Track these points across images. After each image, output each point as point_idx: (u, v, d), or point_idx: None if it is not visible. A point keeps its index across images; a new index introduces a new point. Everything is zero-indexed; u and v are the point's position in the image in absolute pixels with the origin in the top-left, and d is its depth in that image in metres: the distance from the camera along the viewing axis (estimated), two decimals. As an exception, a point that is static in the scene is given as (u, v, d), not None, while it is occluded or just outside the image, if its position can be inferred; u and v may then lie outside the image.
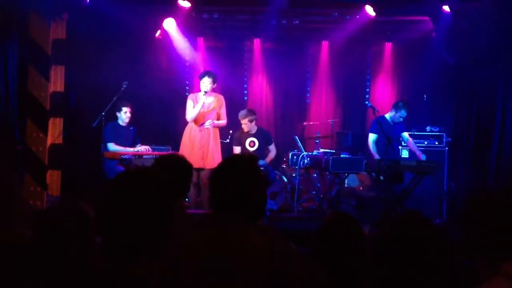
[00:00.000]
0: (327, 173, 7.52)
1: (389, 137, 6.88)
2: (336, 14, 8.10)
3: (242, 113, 7.48)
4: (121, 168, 6.35)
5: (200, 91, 6.75)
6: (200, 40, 8.85)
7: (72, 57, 7.02)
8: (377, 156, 6.98)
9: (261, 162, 7.16)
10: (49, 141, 6.78)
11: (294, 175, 7.55)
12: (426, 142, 7.69)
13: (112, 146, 6.81)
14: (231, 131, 7.72)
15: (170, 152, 6.81)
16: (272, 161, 7.67)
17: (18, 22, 6.63)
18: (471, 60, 7.49)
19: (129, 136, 7.03)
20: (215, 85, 6.74)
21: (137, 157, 6.56)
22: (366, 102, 7.71)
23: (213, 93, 6.85)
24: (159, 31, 8.22)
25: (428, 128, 7.83)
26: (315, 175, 8.13)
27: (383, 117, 7.21)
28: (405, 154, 7.57)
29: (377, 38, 9.02)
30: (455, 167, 7.78)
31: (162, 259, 2.00)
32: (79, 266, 1.77)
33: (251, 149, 7.51)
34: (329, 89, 9.21)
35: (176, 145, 7.02)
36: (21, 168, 6.61)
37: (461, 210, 1.87)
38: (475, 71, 7.54)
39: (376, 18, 7.87)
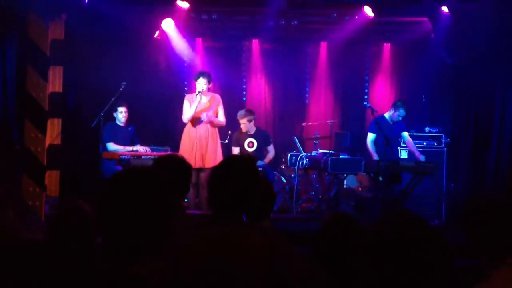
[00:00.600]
0: (326, 173, 7.52)
1: (388, 137, 6.88)
2: (335, 15, 8.10)
3: (241, 113, 7.47)
4: (119, 169, 6.34)
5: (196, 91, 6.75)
6: (199, 41, 8.85)
7: (71, 58, 7.01)
8: (375, 156, 6.98)
9: (259, 162, 7.16)
10: (48, 141, 6.78)
11: (293, 175, 7.54)
12: (425, 143, 7.70)
13: (111, 146, 6.81)
14: (229, 132, 7.72)
15: (169, 152, 6.81)
16: (271, 161, 7.67)
17: (16, 22, 6.63)
18: (470, 61, 7.50)
19: (127, 136, 7.03)
20: (210, 85, 6.73)
21: (135, 157, 6.55)
22: (365, 103, 7.72)
23: (210, 93, 6.84)
24: (157, 32, 8.22)
25: (427, 128, 7.84)
26: (314, 175, 8.12)
27: (382, 116, 7.22)
28: (404, 155, 7.58)
29: (376, 39, 9.03)
30: (454, 168, 7.79)
31: (162, 259, 2.00)
32: (79, 266, 1.77)
33: (250, 150, 7.50)
34: (328, 90, 9.21)
35: (175, 145, 7.01)
36: (19, 168, 6.61)
37: (461, 211, 2.02)
38: (473, 71, 7.55)
39: (374, 19, 7.87)
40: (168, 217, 1.70)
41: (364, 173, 6.98)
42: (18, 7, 6.43)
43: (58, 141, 6.84)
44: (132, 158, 6.51)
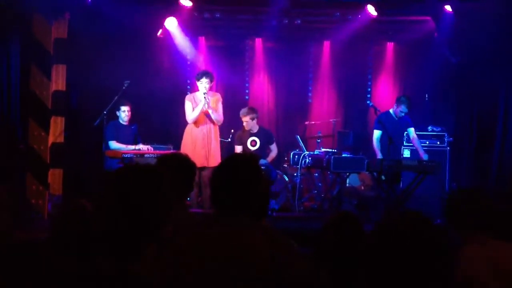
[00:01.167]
0: (329, 172, 7.52)
1: (392, 134, 6.87)
2: (338, 14, 8.10)
3: (244, 110, 7.47)
4: (122, 167, 6.34)
5: (197, 91, 6.75)
6: (202, 40, 8.86)
7: (74, 56, 7.03)
8: (379, 155, 6.96)
9: (262, 161, 7.16)
10: (51, 139, 6.80)
11: (295, 174, 7.55)
12: (427, 142, 7.68)
13: (113, 144, 6.82)
14: (232, 130, 7.72)
15: (172, 151, 6.81)
16: (273, 160, 7.67)
17: (20, 21, 6.65)
18: (473, 60, 7.49)
19: (129, 135, 7.04)
20: (212, 84, 6.74)
21: (138, 156, 6.56)
22: (368, 102, 7.71)
23: (211, 92, 6.84)
24: (160, 30, 8.22)
25: (429, 128, 7.83)
26: (317, 174, 8.12)
27: (387, 112, 7.17)
28: (407, 153, 7.57)
29: (379, 38, 9.01)
30: (456, 167, 7.78)
31: (164, 258, 2.01)
32: (79, 265, 1.78)
33: (253, 148, 7.50)
34: (331, 88, 9.21)
35: (177, 144, 7.02)
36: (23, 166, 6.63)
37: (446, 204, 2.68)
38: (477, 71, 7.54)
39: (378, 18, 7.87)
40: (168, 213, 1.71)
41: (367, 172, 6.97)
42: (22, 6, 6.45)
43: (61, 139, 6.86)
44: (135, 156, 6.52)
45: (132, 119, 7.10)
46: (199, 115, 6.65)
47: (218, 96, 6.85)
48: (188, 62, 8.80)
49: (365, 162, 6.68)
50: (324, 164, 6.94)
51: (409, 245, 1.50)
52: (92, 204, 2.30)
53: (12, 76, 6.57)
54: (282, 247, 2.00)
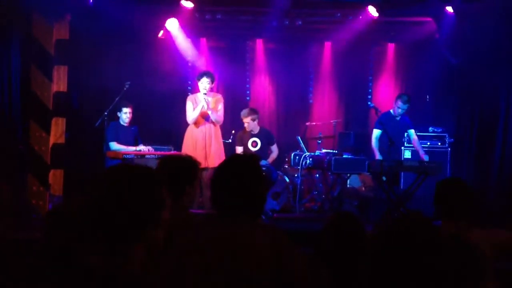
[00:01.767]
0: (329, 173, 7.52)
1: (392, 135, 6.86)
2: (338, 14, 8.10)
3: (245, 111, 7.47)
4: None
5: (198, 91, 6.75)
6: (203, 41, 8.86)
7: (75, 57, 7.03)
8: (378, 155, 6.92)
9: (263, 162, 7.15)
10: (52, 140, 6.81)
11: (296, 175, 7.55)
12: (428, 143, 7.68)
13: (114, 145, 6.82)
14: (233, 131, 7.72)
15: (173, 152, 6.81)
16: (274, 161, 7.67)
17: (21, 22, 6.66)
18: (474, 61, 7.48)
19: (130, 136, 7.03)
20: (213, 84, 6.73)
21: (139, 156, 6.55)
22: (369, 103, 7.69)
23: (212, 93, 6.83)
24: (161, 32, 8.23)
25: (430, 128, 7.82)
26: (317, 175, 8.12)
27: (388, 112, 7.14)
28: (407, 154, 7.57)
29: (380, 39, 9.01)
30: (457, 168, 7.77)
31: (166, 258, 2.01)
32: (76, 264, 1.78)
33: (254, 149, 7.51)
34: (332, 89, 9.21)
35: (178, 145, 7.02)
36: (23, 167, 6.63)
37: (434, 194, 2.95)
38: (478, 72, 7.53)
39: (379, 18, 7.86)
40: (157, 213, 1.71)
41: (368, 173, 6.96)
42: (23, 7, 6.46)
43: (62, 140, 6.87)
44: (135, 157, 6.52)
45: (132, 120, 7.09)
46: (199, 116, 6.64)
47: (219, 97, 6.84)
48: (189, 63, 8.80)
49: (366, 163, 6.68)
50: (325, 165, 6.95)
51: (409, 245, 1.50)
52: (83, 202, 2.30)
53: (13, 77, 6.58)
54: (283, 247, 2.00)
